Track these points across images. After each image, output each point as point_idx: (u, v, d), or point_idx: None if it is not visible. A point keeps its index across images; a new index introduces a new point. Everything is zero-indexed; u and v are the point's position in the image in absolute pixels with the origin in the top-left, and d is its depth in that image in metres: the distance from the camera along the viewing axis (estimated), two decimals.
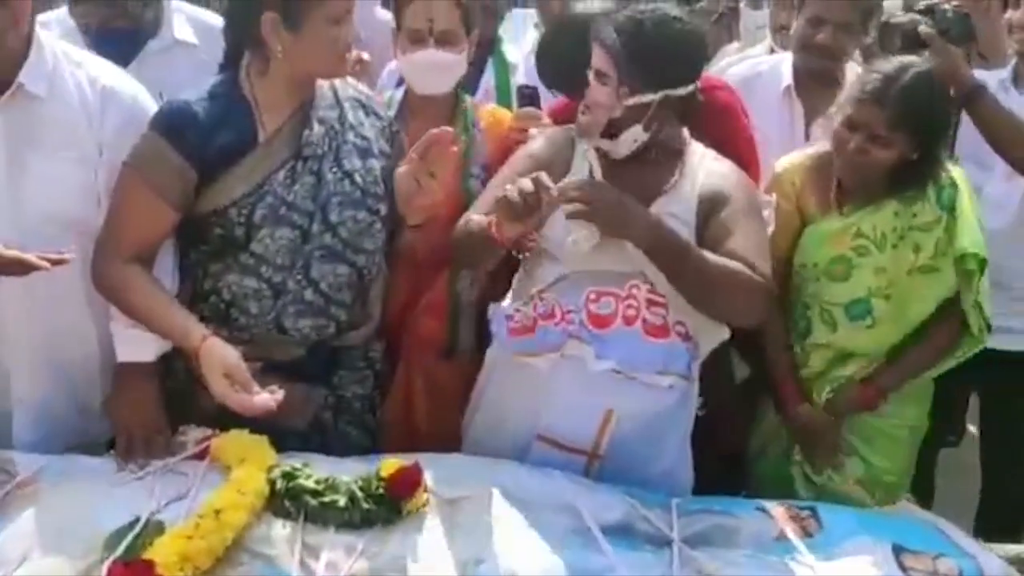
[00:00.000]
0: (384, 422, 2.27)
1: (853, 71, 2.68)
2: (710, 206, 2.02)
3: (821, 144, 2.37)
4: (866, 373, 2.30)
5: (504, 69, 3.00)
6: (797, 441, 2.38)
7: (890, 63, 2.19)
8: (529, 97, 2.46)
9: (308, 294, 2.01)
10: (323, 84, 2.05)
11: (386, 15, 3.20)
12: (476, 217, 2.01)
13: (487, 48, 2.97)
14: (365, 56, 2.64)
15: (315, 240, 1.99)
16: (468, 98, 2.44)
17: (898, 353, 2.30)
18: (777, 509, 2.01)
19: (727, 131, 2.34)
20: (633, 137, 1.99)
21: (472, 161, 2.30)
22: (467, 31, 2.29)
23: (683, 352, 2.06)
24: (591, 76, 1.97)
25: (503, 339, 2.10)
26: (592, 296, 2.04)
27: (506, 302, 2.16)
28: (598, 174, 2.04)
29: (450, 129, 1.96)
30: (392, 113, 2.29)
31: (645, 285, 2.03)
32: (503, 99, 2.90)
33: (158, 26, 2.45)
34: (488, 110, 2.47)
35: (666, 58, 1.95)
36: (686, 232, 2.00)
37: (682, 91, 1.97)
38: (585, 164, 2.05)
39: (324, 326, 2.04)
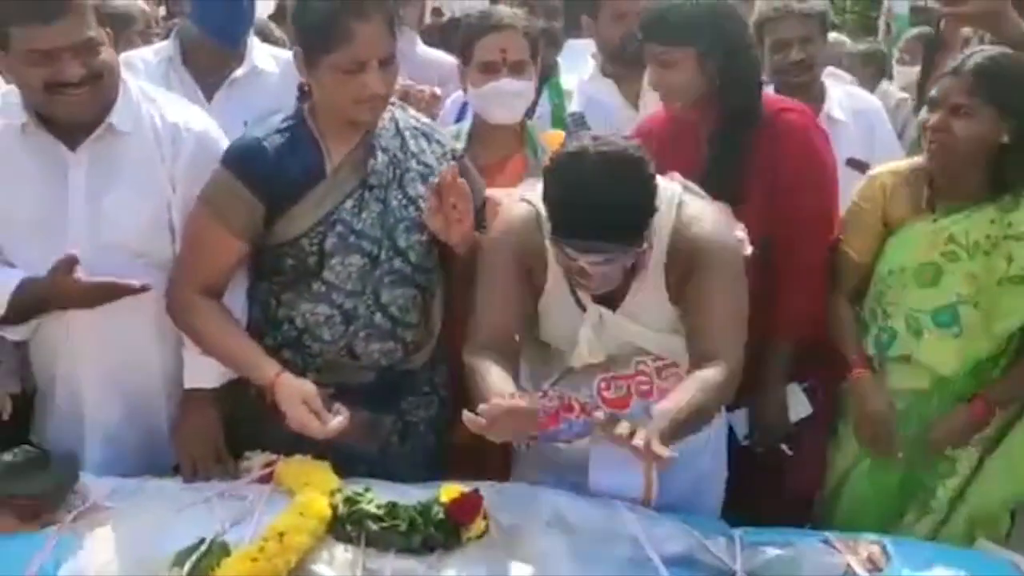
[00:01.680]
0: (453, 446, 2.28)
1: (830, 77, 2.89)
2: (682, 270, 1.93)
3: (916, 158, 2.33)
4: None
5: (559, 96, 3.04)
6: (853, 415, 2.30)
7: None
8: (577, 123, 2.50)
9: (378, 318, 2.04)
10: (385, 116, 2.09)
11: (428, 51, 3.29)
12: (487, 388, 1.80)
13: (544, 75, 3.01)
14: (438, 91, 2.71)
15: (384, 266, 2.03)
16: (533, 123, 2.50)
17: (990, 372, 2.22)
18: (843, 542, 1.96)
19: (800, 153, 2.33)
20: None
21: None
22: (533, 60, 2.37)
23: None
24: (586, 266, 1.83)
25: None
26: (603, 384, 2.06)
27: (522, 381, 2.10)
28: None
29: (449, 169, 2.00)
30: (462, 144, 2.35)
31: (649, 357, 2.04)
32: (556, 125, 2.93)
33: (243, 54, 2.61)
34: (551, 134, 2.53)
35: (648, 207, 1.83)
36: (660, 306, 1.97)
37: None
38: (558, 272, 1.96)
39: (393, 350, 2.07)
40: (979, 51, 2.16)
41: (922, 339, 2.22)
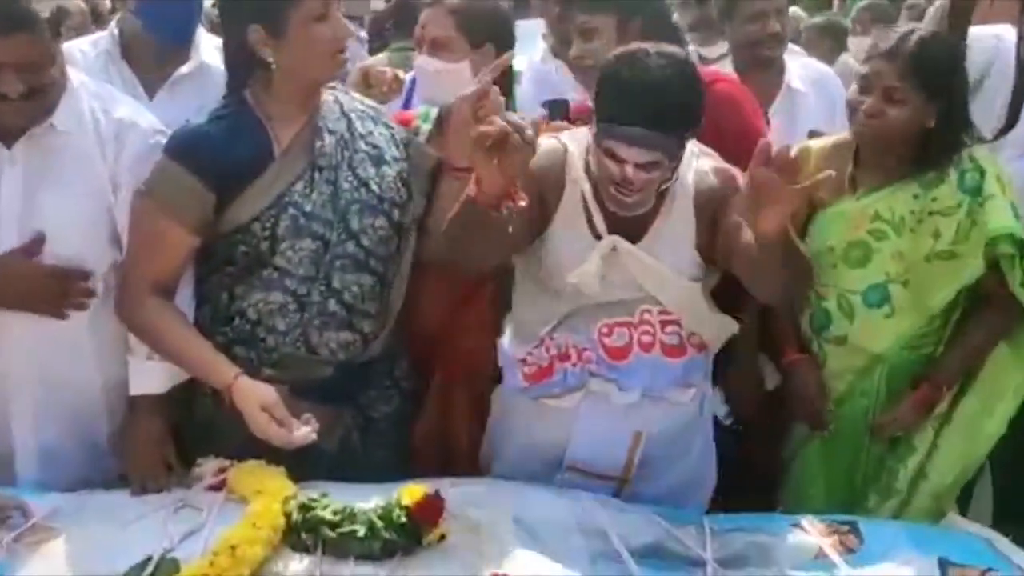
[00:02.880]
0: (416, 441, 2.24)
1: (793, 59, 2.92)
2: (709, 208, 1.96)
3: (836, 135, 2.32)
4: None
5: (509, 78, 2.95)
6: (789, 402, 2.30)
7: (903, 28, 2.18)
8: (559, 108, 2.40)
9: (331, 305, 1.99)
10: (328, 98, 2.05)
11: None
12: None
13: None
14: (401, 75, 2.61)
15: (335, 249, 1.98)
16: None
17: (925, 346, 2.22)
18: (814, 525, 1.93)
19: (734, 123, 2.29)
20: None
21: None
22: (469, 40, 2.18)
23: (700, 362, 2.07)
24: (629, 169, 1.84)
25: (519, 385, 2.06)
26: (604, 330, 2.01)
27: (507, 341, 2.11)
28: (589, 196, 1.98)
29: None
30: (428, 124, 2.28)
31: (656, 307, 2.01)
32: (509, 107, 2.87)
33: (188, 51, 2.46)
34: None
35: (695, 107, 1.87)
36: (689, 238, 1.98)
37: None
38: (576, 189, 1.99)
39: (350, 341, 2.02)
40: (913, 33, 2.13)
41: (855, 320, 2.21)
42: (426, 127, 2.30)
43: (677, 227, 1.98)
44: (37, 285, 1.93)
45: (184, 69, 2.44)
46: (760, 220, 1.70)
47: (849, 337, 2.22)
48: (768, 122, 2.63)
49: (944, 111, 2.11)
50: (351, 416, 2.08)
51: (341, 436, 2.05)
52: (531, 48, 3.08)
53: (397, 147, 2.11)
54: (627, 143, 1.81)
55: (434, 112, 2.35)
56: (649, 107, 1.80)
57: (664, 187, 1.91)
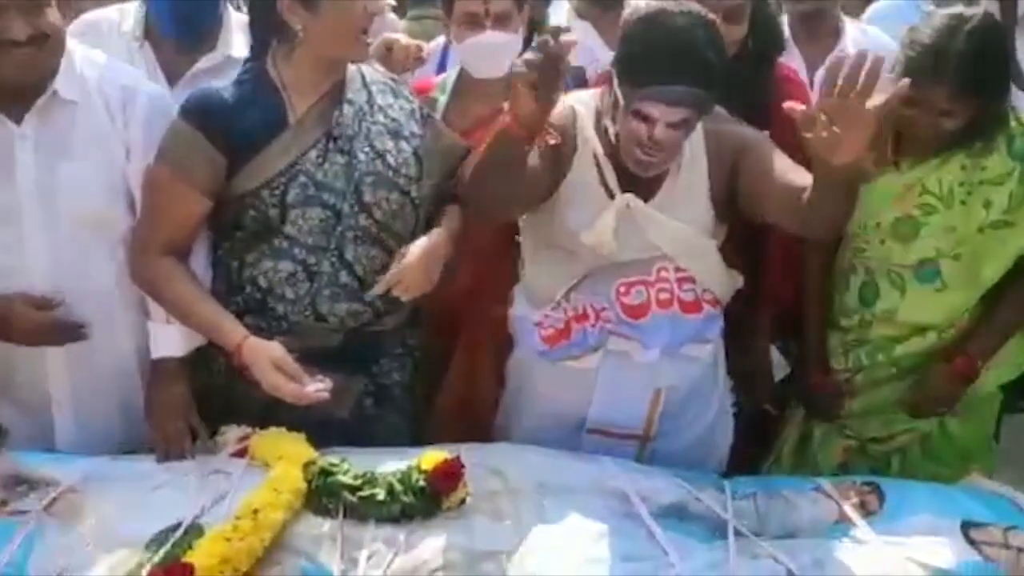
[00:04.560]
0: (439, 408, 2.26)
1: (849, 22, 2.80)
2: (724, 155, 1.96)
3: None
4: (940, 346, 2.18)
5: None
6: (808, 408, 2.32)
7: (933, 28, 2.01)
8: (577, 77, 2.39)
9: (343, 276, 1.99)
10: (351, 69, 2.04)
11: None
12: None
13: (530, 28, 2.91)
14: (424, 46, 2.57)
15: (348, 220, 1.98)
16: None
17: (976, 319, 2.18)
18: (836, 487, 1.93)
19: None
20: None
21: None
22: (519, 9, 2.28)
23: (715, 318, 2.07)
24: (658, 131, 1.83)
25: (536, 346, 2.06)
26: (622, 289, 2.01)
27: (519, 308, 2.11)
28: (601, 154, 1.97)
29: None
30: (446, 97, 2.30)
31: (672, 264, 2.00)
32: None
33: (213, 42, 2.40)
34: None
35: (721, 66, 1.82)
36: (698, 206, 1.97)
37: None
38: (588, 148, 1.97)
39: (360, 312, 2.02)
40: (953, 33, 1.98)
41: (906, 295, 2.18)
42: (443, 99, 2.30)
43: (691, 180, 1.97)
44: (38, 333, 1.94)
45: (206, 63, 2.38)
46: (841, 149, 1.58)
47: (899, 312, 2.19)
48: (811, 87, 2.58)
49: (997, 96, 2.04)
50: (364, 384, 2.07)
51: (354, 404, 2.06)
52: (555, 12, 3.03)
53: (416, 122, 2.10)
54: (664, 102, 1.79)
55: (451, 80, 2.34)
56: (686, 64, 1.77)
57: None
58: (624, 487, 1.88)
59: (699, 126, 1.93)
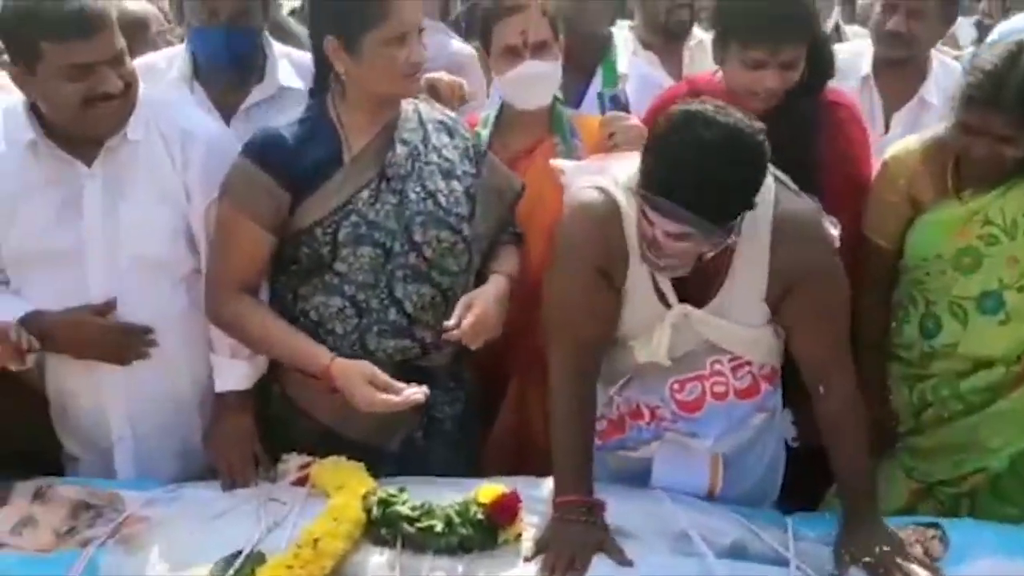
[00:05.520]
0: (493, 441, 2.27)
1: (939, 60, 2.65)
2: (788, 278, 1.87)
3: (933, 128, 2.22)
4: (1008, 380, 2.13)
5: (613, 78, 2.92)
6: None
7: (994, 55, 1.99)
8: (617, 105, 2.40)
9: (391, 313, 2.01)
10: (407, 106, 2.07)
11: (460, 46, 3.10)
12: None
13: (597, 57, 2.91)
14: (465, 85, 2.55)
15: (398, 259, 2.00)
16: (564, 108, 2.42)
17: None
18: (900, 530, 1.87)
19: (848, 144, 2.26)
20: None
21: None
22: (555, 38, 2.28)
23: (772, 391, 2.03)
24: (660, 235, 1.74)
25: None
26: (676, 387, 1.97)
27: None
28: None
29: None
30: (488, 131, 2.31)
31: (726, 356, 1.96)
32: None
33: (263, 73, 2.46)
34: (583, 119, 2.45)
35: (741, 191, 1.71)
36: (752, 307, 1.90)
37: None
38: (641, 265, 1.87)
39: (408, 347, 2.04)
40: (1011, 62, 1.95)
41: (968, 327, 2.13)
42: (485, 133, 2.31)
43: (747, 284, 1.89)
44: (105, 341, 2.00)
45: (258, 95, 2.43)
46: None
47: (961, 344, 2.15)
48: (887, 129, 2.58)
49: None
50: (414, 416, 2.05)
51: (404, 437, 2.06)
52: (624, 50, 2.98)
53: (469, 160, 2.11)
54: (658, 211, 1.71)
55: (492, 115, 2.37)
56: (688, 187, 1.66)
57: (711, 253, 1.80)
58: (685, 526, 1.86)
59: (767, 219, 1.83)
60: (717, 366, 1.97)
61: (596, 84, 2.79)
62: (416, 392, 1.87)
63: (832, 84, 2.33)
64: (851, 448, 1.89)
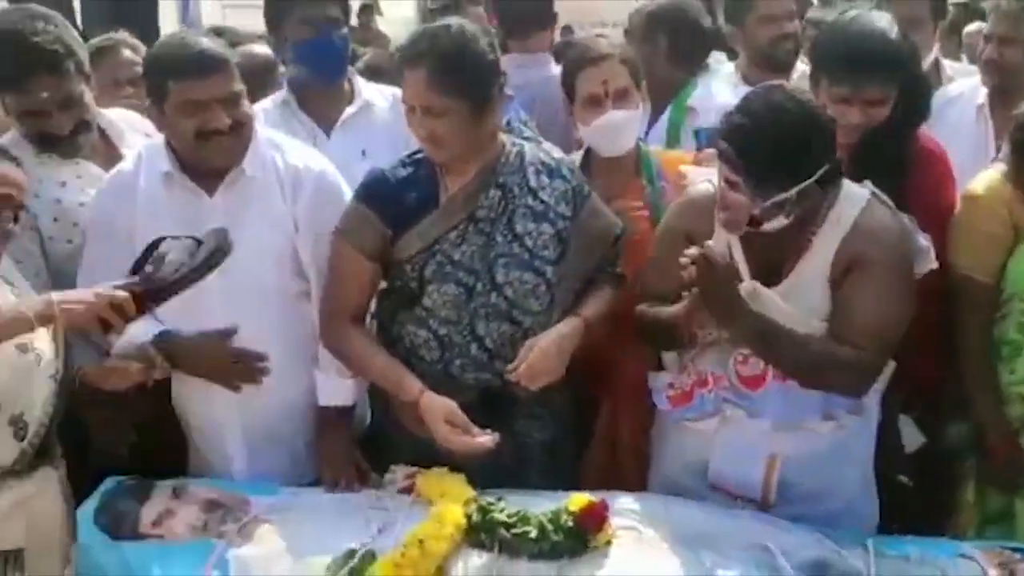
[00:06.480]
0: (586, 463, 2.37)
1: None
2: (847, 266, 1.99)
3: (998, 163, 2.26)
4: None
5: (680, 113, 3.02)
6: (983, 476, 2.26)
7: None
8: (711, 139, 2.43)
9: (473, 349, 2.12)
10: (510, 148, 2.16)
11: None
12: (667, 311, 2.06)
13: (669, 96, 3.03)
14: None
15: (480, 298, 2.10)
16: (651, 150, 2.49)
17: None
18: (982, 552, 1.93)
19: (937, 197, 2.31)
20: (777, 225, 1.96)
21: (662, 212, 2.32)
22: (636, 85, 2.36)
23: (841, 402, 2.07)
24: (722, 182, 1.96)
25: (664, 408, 2.16)
26: (740, 359, 2.07)
27: (663, 374, 2.20)
28: (735, 241, 2.05)
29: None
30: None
31: None
32: (672, 142, 2.95)
33: (353, 93, 2.75)
34: (672, 156, 2.52)
35: (790, 156, 1.88)
36: (819, 291, 2.00)
37: (818, 175, 1.90)
38: (723, 234, 2.04)
39: (490, 380, 2.13)
40: None
41: None
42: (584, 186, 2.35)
43: (817, 267, 2.01)
44: (224, 364, 2.18)
45: (351, 109, 2.72)
46: None
47: None
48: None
49: None
50: (502, 441, 2.06)
51: (490, 460, 2.07)
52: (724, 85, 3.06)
53: (567, 203, 2.16)
54: (721, 157, 1.93)
55: (577, 161, 2.40)
56: (744, 134, 1.89)
57: (811, 233, 1.99)
58: (765, 540, 1.93)
59: (850, 217, 2.00)
60: None
61: (664, 117, 3.00)
62: (487, 439, 1.99)
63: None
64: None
